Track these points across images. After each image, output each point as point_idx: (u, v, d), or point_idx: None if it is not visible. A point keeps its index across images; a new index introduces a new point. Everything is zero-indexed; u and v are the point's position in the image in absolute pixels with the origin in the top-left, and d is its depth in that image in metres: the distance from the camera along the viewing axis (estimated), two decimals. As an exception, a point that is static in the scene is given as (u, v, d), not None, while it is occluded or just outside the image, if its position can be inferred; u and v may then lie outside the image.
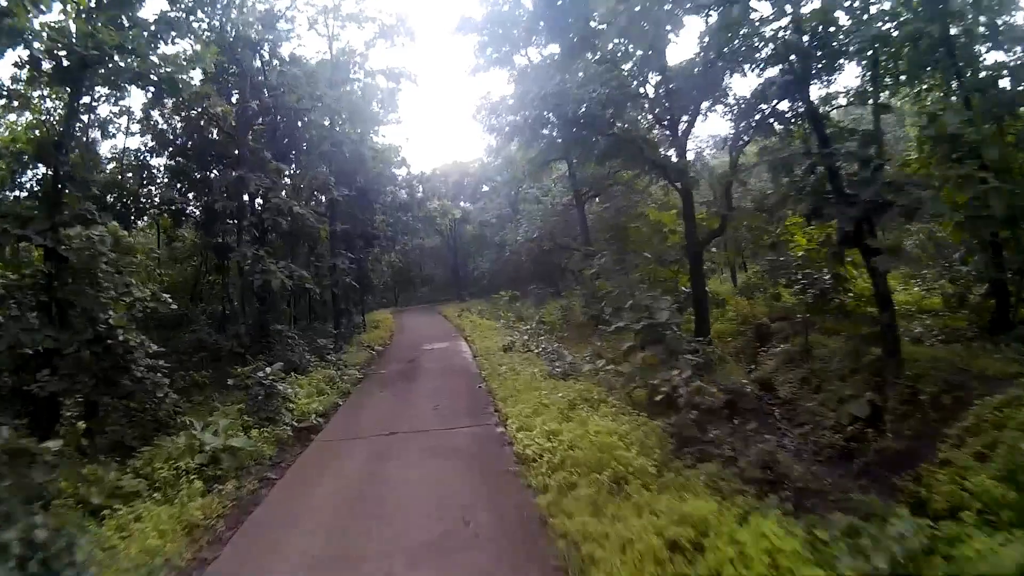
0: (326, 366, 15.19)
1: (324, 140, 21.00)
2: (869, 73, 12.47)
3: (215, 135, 20.68)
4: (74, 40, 8.89)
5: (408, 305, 51.20)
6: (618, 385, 10.18)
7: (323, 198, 20.31)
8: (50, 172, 9.37)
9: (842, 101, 13.14)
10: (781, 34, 11.94)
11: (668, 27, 12.70)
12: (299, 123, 20.46)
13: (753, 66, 14.31)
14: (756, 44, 13.07)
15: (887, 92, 15.37)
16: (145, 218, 25.10)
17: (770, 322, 16.72)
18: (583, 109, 14.26)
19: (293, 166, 22.95)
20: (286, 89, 19.10)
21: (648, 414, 8.22)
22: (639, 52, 15.45)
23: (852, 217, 9.55)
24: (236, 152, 17.62)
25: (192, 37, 13.16)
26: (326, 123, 20.64)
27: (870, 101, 12.55)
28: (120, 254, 9.15)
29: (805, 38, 11.42)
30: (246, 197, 17.80)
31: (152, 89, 11.96)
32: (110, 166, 22.34)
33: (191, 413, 10.06)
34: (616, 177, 25.70)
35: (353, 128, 22.77)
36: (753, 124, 16.18)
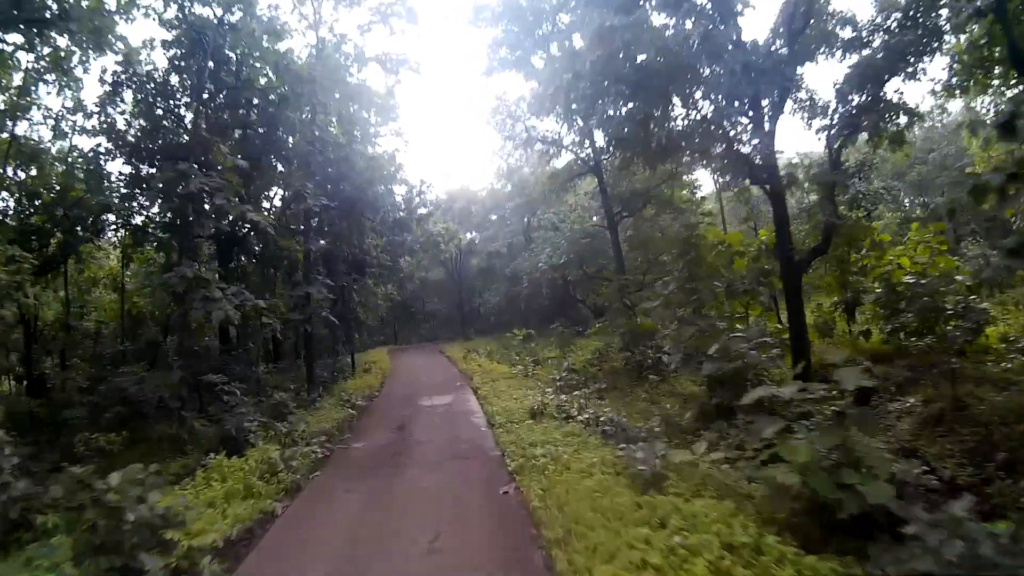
0: (278, 435, 10.66)
1: (302, 140, 17.00)
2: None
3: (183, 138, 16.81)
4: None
5: (408, 343, 46.62)
6: (753, 492, 5.65)
7: (298, 209, 16.04)
8: None
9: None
10: None
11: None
12: (275, 122, 16.52)
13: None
14: None
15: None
16: (109, 235, 21.24)
17: (873, 363, 12.27)
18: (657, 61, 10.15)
19: (280, 186, 18.90)
20: (251, 71, 15.19)
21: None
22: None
23: None
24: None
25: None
26: (305, 117, 16.65)
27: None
28: None
29: None
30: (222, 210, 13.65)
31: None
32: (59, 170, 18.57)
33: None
34: (660, 193, 21.56)
35: (342, 130, 18.81)
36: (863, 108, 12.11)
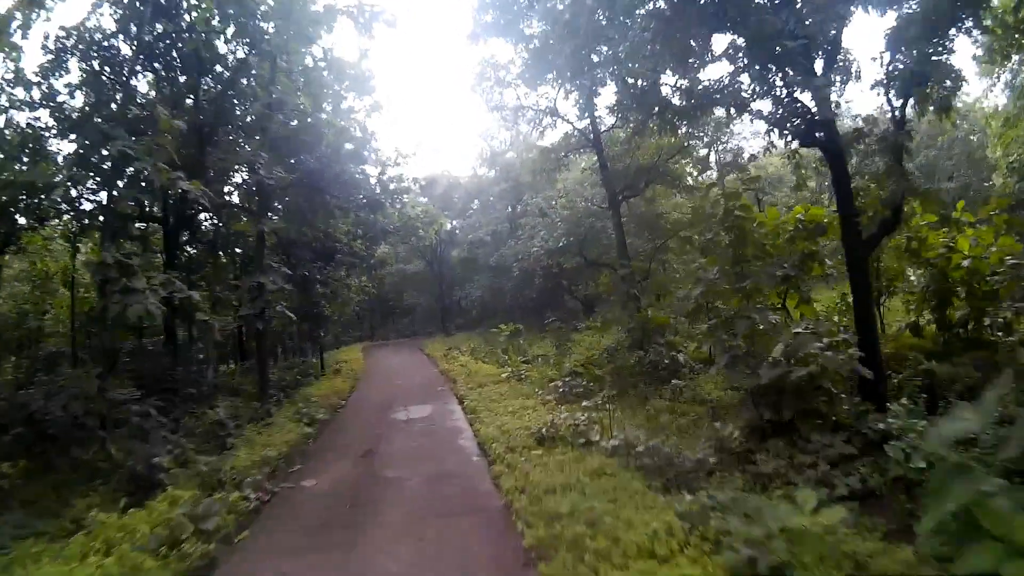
0: (205, 470, 7.97)
1: (259, 105, 14.26)
2: None
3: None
4: None
5: (385, 340, 43.83)
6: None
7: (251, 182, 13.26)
8: None
9: None
10: None
11: None
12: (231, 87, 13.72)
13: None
14: None
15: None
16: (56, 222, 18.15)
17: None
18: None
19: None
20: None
21: None
22: None
23: None
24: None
25: None
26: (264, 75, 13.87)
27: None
28: None
29: None
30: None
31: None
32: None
33: None
34: (670, 169, 19.14)
35: (310, 96, 16.04)
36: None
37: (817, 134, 10.49)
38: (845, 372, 7.78)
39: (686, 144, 19.25)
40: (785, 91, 10.23)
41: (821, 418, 7.60)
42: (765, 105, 10.81)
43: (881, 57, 10.39)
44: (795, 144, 11.32)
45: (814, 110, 10.33)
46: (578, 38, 10.66)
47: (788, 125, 10.99)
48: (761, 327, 9.05)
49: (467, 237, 41.02)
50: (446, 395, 14.35)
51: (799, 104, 10.65)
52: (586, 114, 19.33)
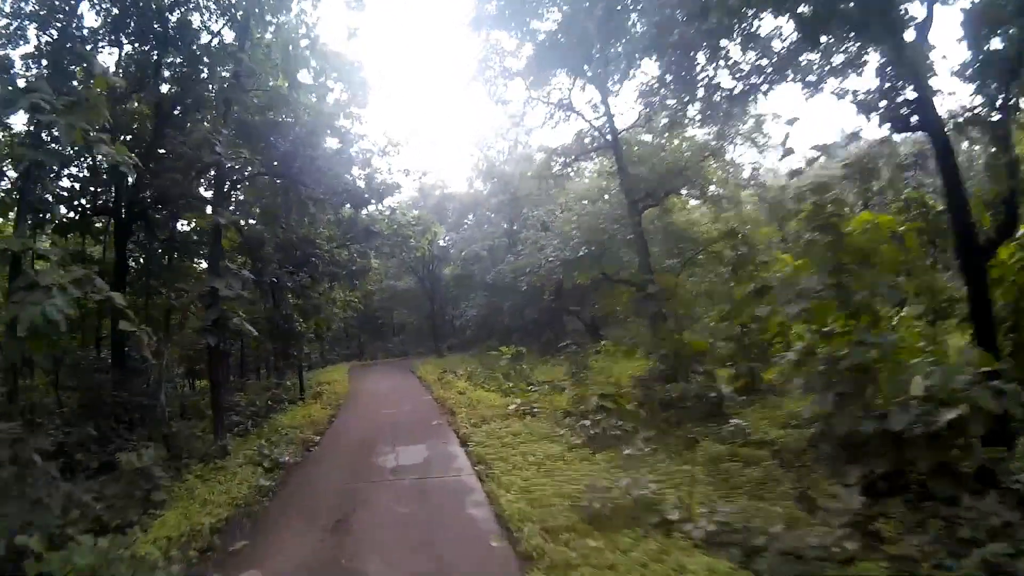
0: (87, 562, 5.35)
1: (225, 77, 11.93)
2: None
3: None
4: None
5: (374, 359, 41.01)
6: None
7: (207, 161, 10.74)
8: None
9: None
10: None
11: None
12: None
13: None
14: None
15: None
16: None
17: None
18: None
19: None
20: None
21: None
22: None
23: None
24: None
25: None
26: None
27: None
28: None
29: None
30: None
31: None
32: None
33: None
34: (701, 169, 16.90)
35: (286, 75, 13.68)
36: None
37: (913, 118, 8.36)
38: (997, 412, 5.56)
39: (718, 144, 17.08)
40: (878, 61, 8.11)
41: (953, 471, 5.33)
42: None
43: (976, 36, 8.22)
44: (887, 129, 9.08)
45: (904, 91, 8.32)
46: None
47: (880, 106, 8.83)
48: (874, 354, 6.63)
49: (461, 253, 38.60)
50: (444, 432, 11.76)
51: (893, 78, 8.54)
52: (602, 110, 17.22)
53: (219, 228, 10.87)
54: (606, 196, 18.82)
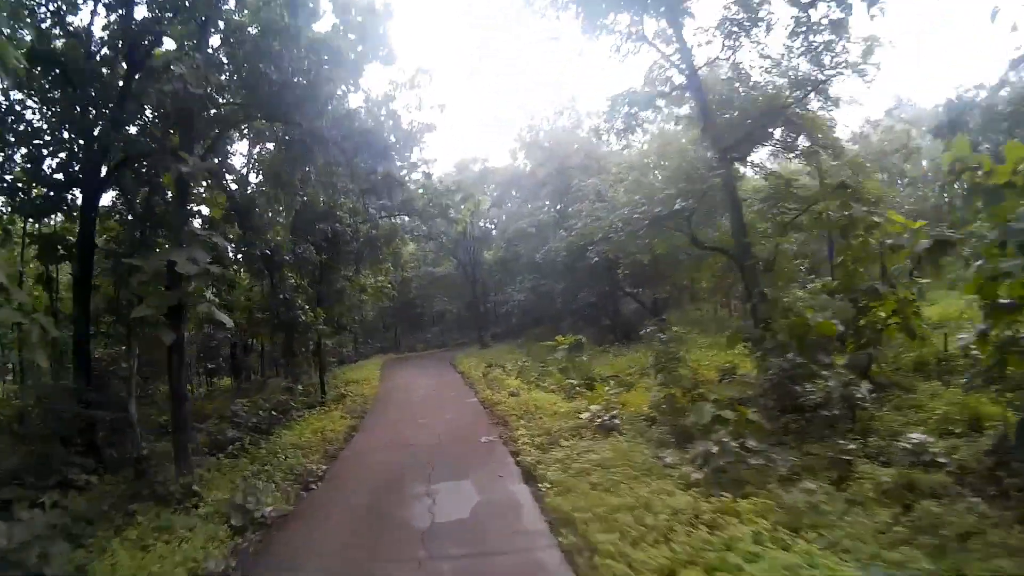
0: None
1: None
2: None
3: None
4: None
5: (411, 351, 38.19)
6: None
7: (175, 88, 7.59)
8: None
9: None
10: None
11: None
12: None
13: None
14: None
15: None
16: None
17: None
18: None
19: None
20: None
21: None
22: None
23: None
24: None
25: None
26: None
27: None
28: None
29: None
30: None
31: None
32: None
33: None
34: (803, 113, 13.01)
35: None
36: None
37: None
38: None
39: (823, 79, 13.07)
40: None
41: None
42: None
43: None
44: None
45: None
46: None
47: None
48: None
49: (504, 233, 35.26)
50: (498, 455, 8.50)
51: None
52: (675, 45, 13.53)
53: (182, 180, 7.79)
54: (691, 147, 15.04)
